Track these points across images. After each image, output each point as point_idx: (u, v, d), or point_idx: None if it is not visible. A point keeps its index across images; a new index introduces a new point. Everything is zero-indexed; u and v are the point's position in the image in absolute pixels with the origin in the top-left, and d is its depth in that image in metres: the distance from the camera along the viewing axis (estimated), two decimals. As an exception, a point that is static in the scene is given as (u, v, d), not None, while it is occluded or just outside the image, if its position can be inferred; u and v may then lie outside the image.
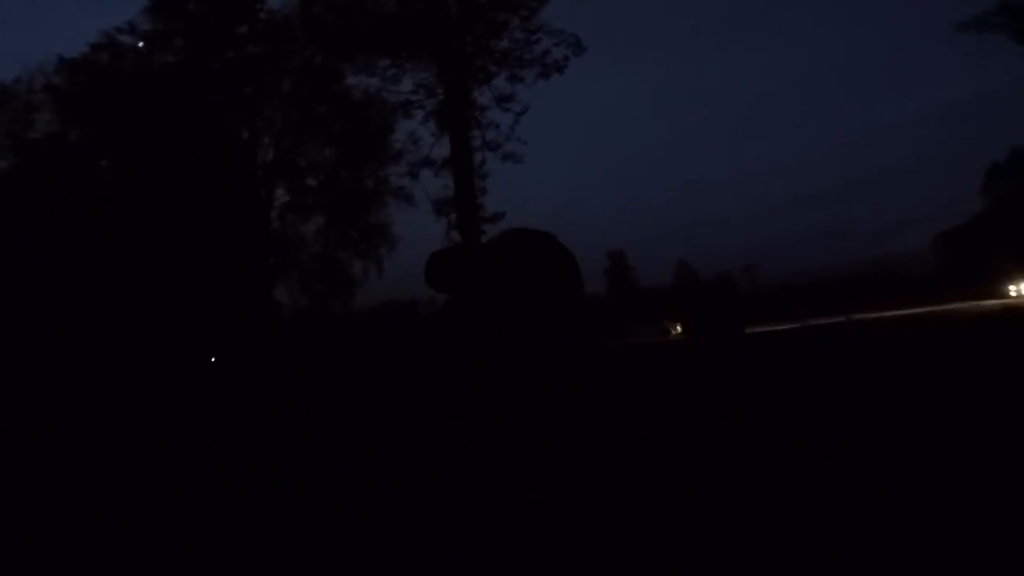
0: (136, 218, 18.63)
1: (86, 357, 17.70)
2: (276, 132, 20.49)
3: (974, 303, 23.35)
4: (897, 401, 7.25)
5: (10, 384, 15.59)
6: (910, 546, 3.35)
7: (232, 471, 6.88)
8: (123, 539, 4.46)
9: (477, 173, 17.19)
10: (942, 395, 7.30)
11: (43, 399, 14.73)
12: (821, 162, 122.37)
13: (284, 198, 20.61)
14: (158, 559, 4.10)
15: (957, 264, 34.90)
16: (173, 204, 17.76)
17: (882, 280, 45.10)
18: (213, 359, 18.23)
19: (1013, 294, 24.24)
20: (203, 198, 16.90)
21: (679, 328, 41.78)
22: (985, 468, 4.62)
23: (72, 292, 22.96)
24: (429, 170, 18.54)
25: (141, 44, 19.85)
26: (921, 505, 3.77)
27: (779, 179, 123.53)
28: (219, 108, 18.41)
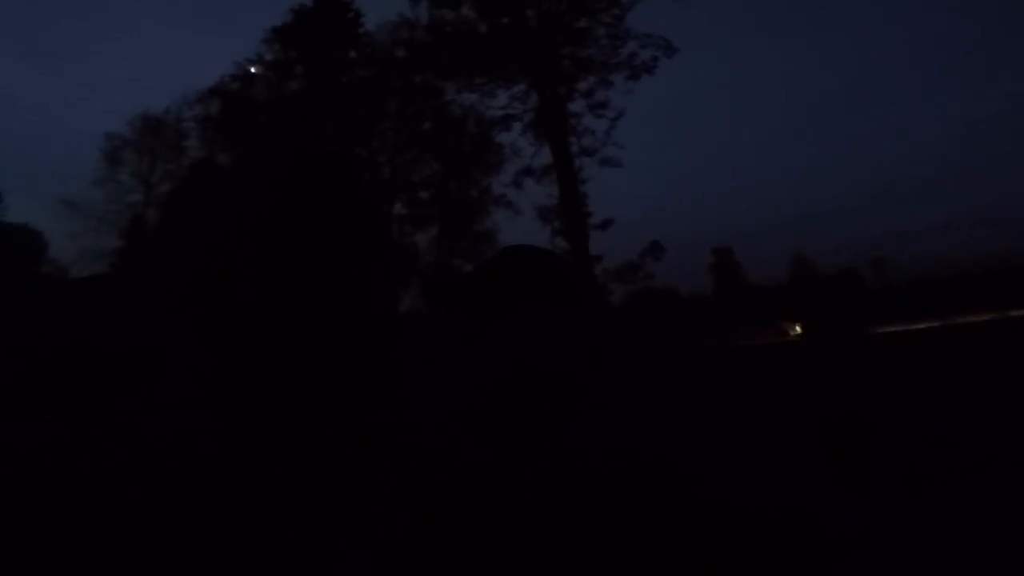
0: (279, 238, 20.93)
1: (251, 369, 20.07)
2: (390, 150, 21.99)
3: None
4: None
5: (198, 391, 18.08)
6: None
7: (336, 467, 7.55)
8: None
9: (577, 179, 17.40)
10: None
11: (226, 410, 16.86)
12: (956, 142, 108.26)
13: (402, 211, 22.08)
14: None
15: None
16: (311, 222, 19.75)
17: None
18: (346, 366, 19.96)
19: None
20: (335, 216, 18.59)
21: (798, 328, 39.16)
22: None
23: (235, 307, 26.19)
24: (531, 178, 19.08)
25: (254, 70, 22.22)
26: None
27: (908, 163, 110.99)
28: (341, 129, 20.12)
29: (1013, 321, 23.78)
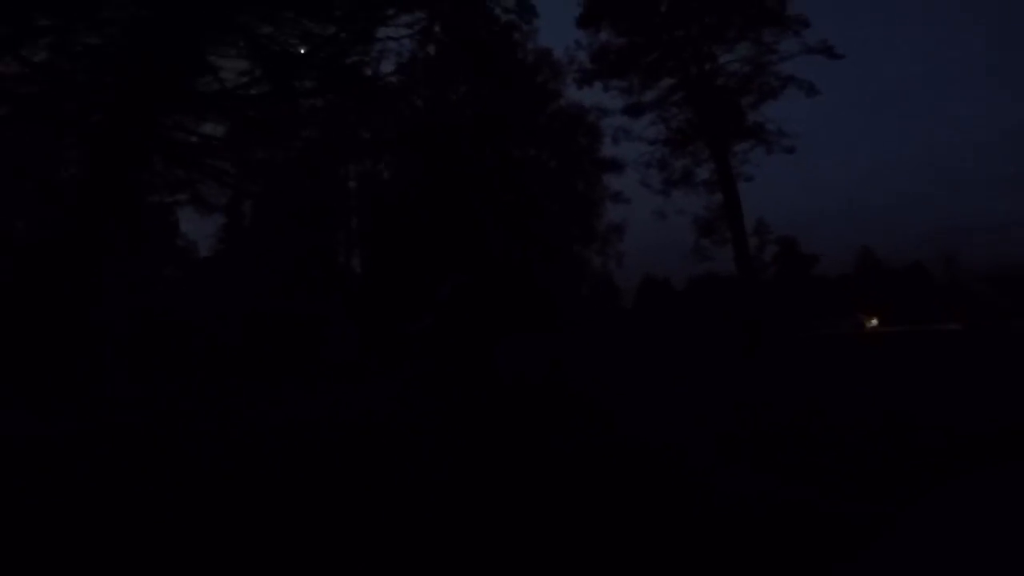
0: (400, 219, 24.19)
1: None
2: (518, 148, 24.68)
3: None
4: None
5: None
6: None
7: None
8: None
9: (736, 192, 19.51)
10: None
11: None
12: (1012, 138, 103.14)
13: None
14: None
15: None
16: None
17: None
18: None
19: None
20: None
21: (875, 321, 40.59)
22: None
23: (355, 278, 29.77)
24: (679, 188, 21.49)
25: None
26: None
27: (976, 156, 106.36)
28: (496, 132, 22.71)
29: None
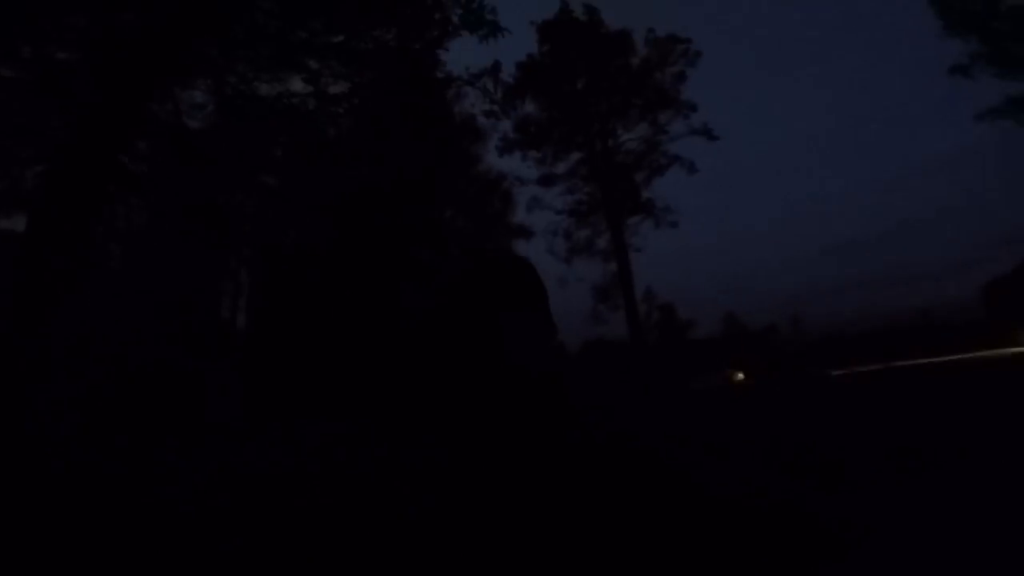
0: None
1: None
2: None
3: (1009, 350, 26.34)
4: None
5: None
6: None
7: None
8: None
9: (629, 263, 21.76)
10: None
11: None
12: (859, 206, 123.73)
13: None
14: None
15: (1006, 312, 37.16)
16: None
17: (929, 329, 48.43)
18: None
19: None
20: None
21: (741, 375, 46.13)
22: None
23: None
24: (583, 257, 23.49)
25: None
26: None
27: (819, 224, 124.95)
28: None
29: (894, 369, 29.49)
